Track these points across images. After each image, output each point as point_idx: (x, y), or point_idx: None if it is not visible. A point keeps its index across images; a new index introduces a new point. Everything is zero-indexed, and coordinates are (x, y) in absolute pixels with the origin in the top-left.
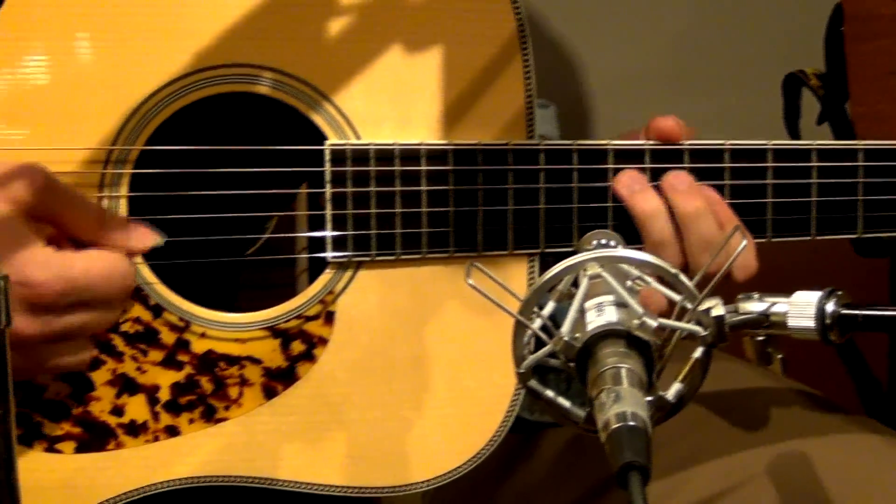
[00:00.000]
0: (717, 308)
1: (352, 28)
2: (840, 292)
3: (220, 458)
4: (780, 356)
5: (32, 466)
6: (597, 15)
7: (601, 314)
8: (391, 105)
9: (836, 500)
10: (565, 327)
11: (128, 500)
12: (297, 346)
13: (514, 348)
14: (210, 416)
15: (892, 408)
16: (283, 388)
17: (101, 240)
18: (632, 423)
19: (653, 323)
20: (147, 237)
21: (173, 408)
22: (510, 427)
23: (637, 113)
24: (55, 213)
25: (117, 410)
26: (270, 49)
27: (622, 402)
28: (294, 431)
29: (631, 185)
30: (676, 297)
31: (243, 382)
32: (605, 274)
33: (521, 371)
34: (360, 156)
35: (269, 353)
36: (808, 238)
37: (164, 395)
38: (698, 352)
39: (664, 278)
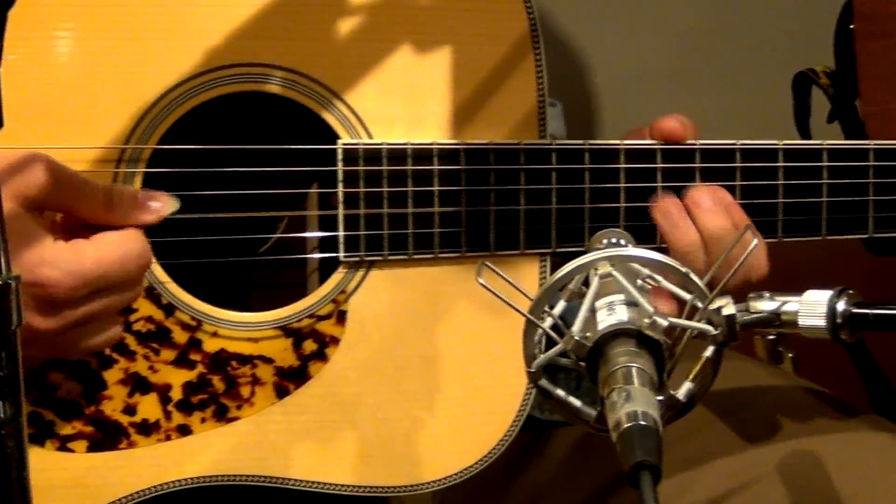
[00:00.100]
0: (728, 307)
1: (364, 27)
2: (851, 291)
3: (231, 458)
4: (790, 355)
5: (44, 465)
6: (604, 13)
7: (612, 313)
8: (403, 104)
9: (845, 498)
10: (576, 326)
11: (140, 499)
12: (309, 346)
13: (525, 347)
14: (222, 416)
15: None
16: (295, 388)
17: (112, 220)
18: (643, 423)
19: (663, 322)
20: (159, 205)
21: (185, 407)
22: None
23: (644, 111)
24: (64, 202)
25: (129, 409)
26: (282, 48)
27: (633, 401)
28: (305, 431)
29: (671, 217)
30: (687, 296)
31: (255, 381)
32: (615, 273)
33: (532, 370)
34: (373, 155)
35: (281, 352)
36: (819, 238)
37: (176, 394)
38: (709, 351)
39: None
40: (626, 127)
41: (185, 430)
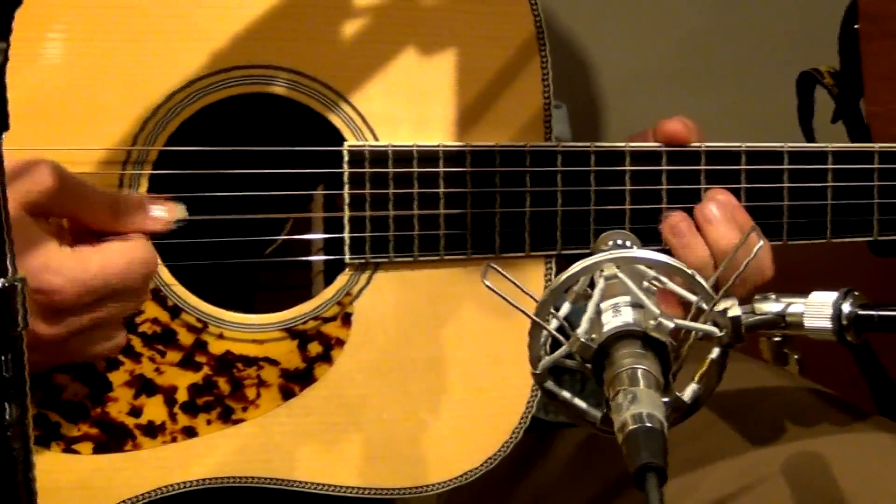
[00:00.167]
0: (734, 309)
1: (369, 29)
2: (856, 293)
3: (236, 459)
4: (796, 356)
5: (50, 467)
6: (608, 14)
7: (617, 315)
8: (409, 106)
9: (850, 499)
10: (582, 328)
11: (145, 500)
12: (315, 348)
13: (531, 349)
14: (227, 417)
15: None
16: (301, 390)
17: (118, 227)
18: (648, 425)
19: (669, 324)
20: (165, 212)
21: (191, 409)
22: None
23: (648, 112)
24: (69, 209)
25: (135, 411)
26: (288, 50)
27: (639, 403)
28: (311, 432)
29: (681, 235)
30: (693, 297)
31: (261, 383)
32: (621, 275)
33: (538, 372)
34: (378, 157)
35: (287, 354)
36: (824, 241)
37: (181, 395)
38: (714, 352)
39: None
40: (631, 128)
41: (190, 432)
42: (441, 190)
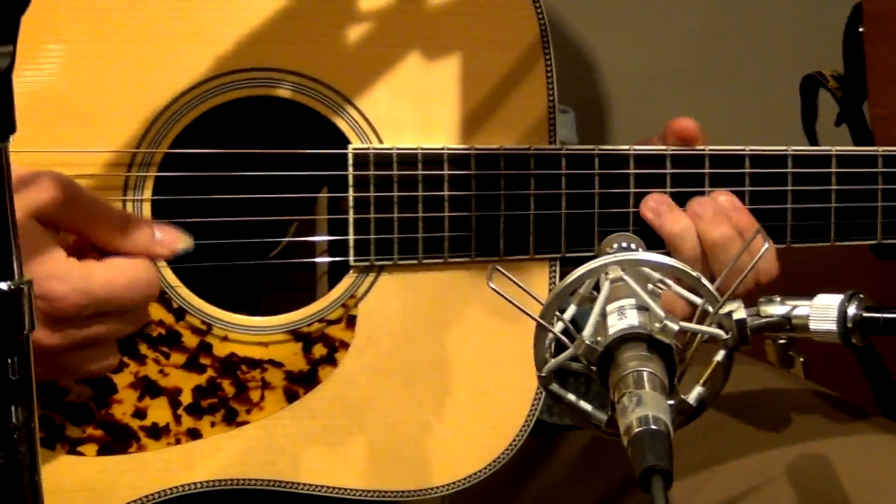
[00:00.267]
0: (739, 311)
1: (374, 32)
2: (861, 295)
3: (241, 462)
4: (801, 359)
5: (55, 469)
6: (612, 16)
7: (623, 317)
8: (413, 109)
9: (854, 501)
10: (587, 330)
11: (149, 502)
12: (319, 350)
13: (536, 352)
14: (231, 420)
15: None
16: (305, 392)
17: (124, 247)
18: (654, 427)
19: (674, 326)
20: (173, 241)
21: (195, 411)
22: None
23: (653, 113)
24: (78, 223)
25: (139, 413)
26: (293, 53)
27: (644, 405)
28: (315, 435)
29: (657, 208)
30: (698, 300)
31: (265, 386)
32: (626, 277)
33: (543, 374)
34: (383, 160)
35: (291, 356)
36: (828, 244)
37: (186, 398)
38: (720, 355)
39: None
40: (635, 129)
41: (194, 434)
42: (445, 193)
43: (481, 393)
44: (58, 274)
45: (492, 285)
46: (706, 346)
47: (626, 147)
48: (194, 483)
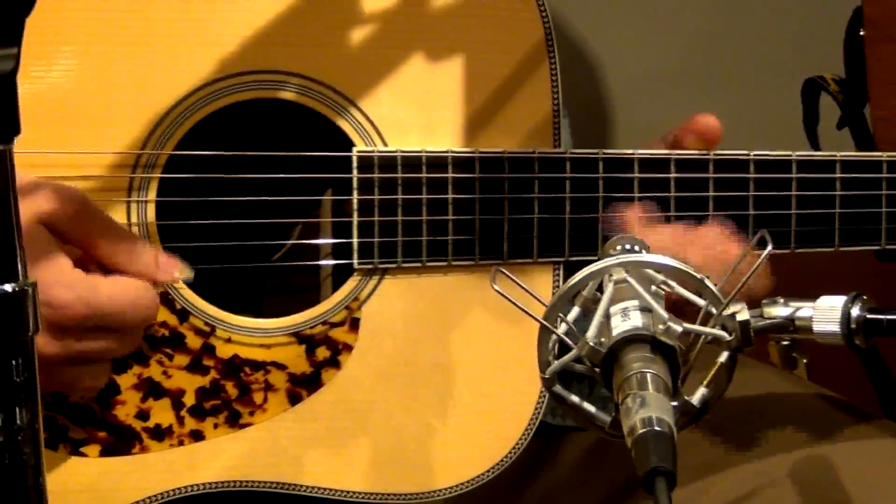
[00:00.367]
0: (742, 313)
1: (378, 35)
2: (865, 297)
3: (243, 463)
4: (804, 360)
5: (58, 470)
6: (615, 17)
7: (626, 319)
8: (418, 111)
9: (858, 503)
10: (591, 332)
11: None
12: (322, 353)
13: (539, 354)
14: (234, 421)
15: None
16: (308, 394)
17: (128, 267)
18: (657, 429)
19: (678, 328)
20: (175, 268)
21: (198, 412)
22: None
23: (655, 117)
24: (85, 236)
25: (143, 414)
26: (297, 55)
27: (648, 407)
28: (318, 437)
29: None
30: (701, 302)
31: (268, 388)
32: (630, 279)
33: (546, 376)
34: (388, 163)
35: (294, 358)
36: (832, 250)
37: (189, 399)
38: (723, 356)
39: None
40: (636, 131)
41: (197, 436)
42: (450, 196)
43: (485, 395)
44: (64, 281)
45: (496, 287)
46: (710, 347)
47: (631, 151)
48: (197, 484)
